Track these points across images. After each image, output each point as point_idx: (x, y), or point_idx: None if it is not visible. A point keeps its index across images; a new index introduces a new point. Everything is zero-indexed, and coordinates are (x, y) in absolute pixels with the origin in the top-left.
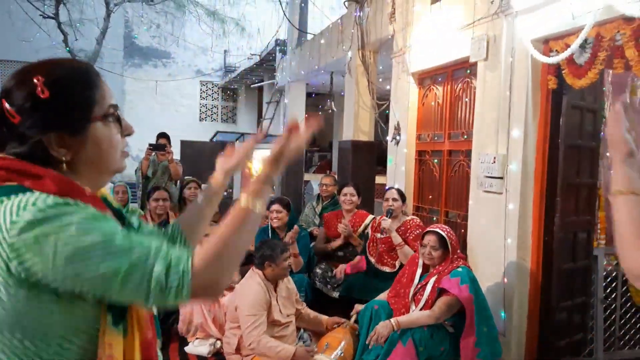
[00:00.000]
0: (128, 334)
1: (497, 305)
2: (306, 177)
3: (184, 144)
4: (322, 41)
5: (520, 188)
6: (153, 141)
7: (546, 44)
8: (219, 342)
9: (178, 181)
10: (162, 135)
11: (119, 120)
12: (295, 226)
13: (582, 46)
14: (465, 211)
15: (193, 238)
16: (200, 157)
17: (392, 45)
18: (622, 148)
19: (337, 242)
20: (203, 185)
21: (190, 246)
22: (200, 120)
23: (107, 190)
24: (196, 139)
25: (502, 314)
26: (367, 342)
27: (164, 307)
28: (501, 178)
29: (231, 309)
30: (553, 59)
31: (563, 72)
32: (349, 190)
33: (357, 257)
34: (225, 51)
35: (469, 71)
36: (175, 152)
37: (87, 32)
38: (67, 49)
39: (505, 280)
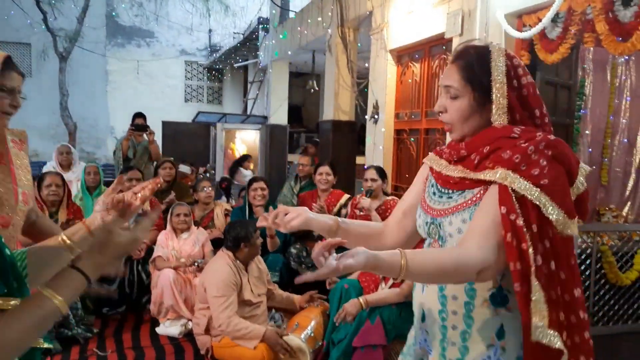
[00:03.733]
0: None
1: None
2: (291, 157)
3: (166, 125)
4: (303, 18)
5: None
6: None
7: (520, 18)
8: (190, 323)
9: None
10: (139, 115)
11: None
12: (278, 207)
13: (554, 20)
14: None
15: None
16: (181, 138)
17: (371, 21)
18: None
19: None
20: (181, 166)
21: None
22: (185, 101)
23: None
24: (181, 119)
25: None
26: (334, 321)
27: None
28: None
29: (200, 289)
30: (525, 34)
31: (535, 47)
32: (324, 169)
33: None
34: (209, 30)
35: (444, 47)
36: (157, 133)
37: (67, 11)
38: (43, 27)
39: None
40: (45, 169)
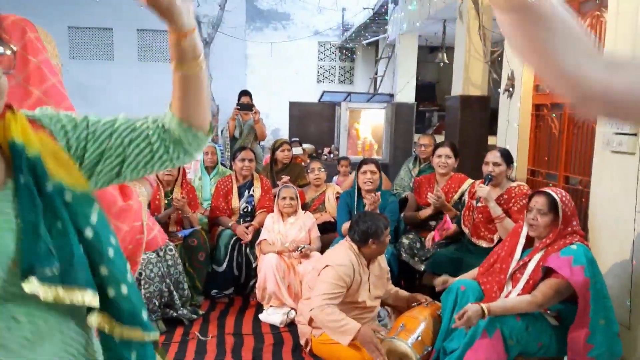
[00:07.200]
0: None
1: (622, 292)
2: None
3: (292, 106)
4: None
5: None
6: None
7: None
8: (293, 312)
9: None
10: (245, 93)
11: None
12: (378, 193)
13: None
14: (589, 176)
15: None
16: (307, 118)
17: None
18: None
19: (427, 212)
20: (305, 145)
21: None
22: (318, 82)
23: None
24: (314, 101)
25: (628, 303)
26: (452, 325)
27: None
28: (634, 135)
29: (314, 275)
30: None
31: None
32: (444, 151)
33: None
34: (343, 9)
35: (598, 2)
36: (284, 113)
37: None
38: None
39: (634, 261)
40: None
